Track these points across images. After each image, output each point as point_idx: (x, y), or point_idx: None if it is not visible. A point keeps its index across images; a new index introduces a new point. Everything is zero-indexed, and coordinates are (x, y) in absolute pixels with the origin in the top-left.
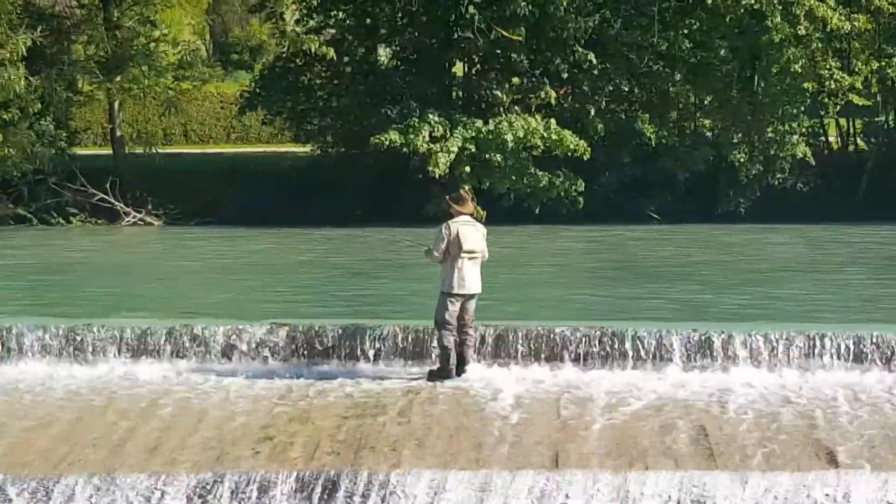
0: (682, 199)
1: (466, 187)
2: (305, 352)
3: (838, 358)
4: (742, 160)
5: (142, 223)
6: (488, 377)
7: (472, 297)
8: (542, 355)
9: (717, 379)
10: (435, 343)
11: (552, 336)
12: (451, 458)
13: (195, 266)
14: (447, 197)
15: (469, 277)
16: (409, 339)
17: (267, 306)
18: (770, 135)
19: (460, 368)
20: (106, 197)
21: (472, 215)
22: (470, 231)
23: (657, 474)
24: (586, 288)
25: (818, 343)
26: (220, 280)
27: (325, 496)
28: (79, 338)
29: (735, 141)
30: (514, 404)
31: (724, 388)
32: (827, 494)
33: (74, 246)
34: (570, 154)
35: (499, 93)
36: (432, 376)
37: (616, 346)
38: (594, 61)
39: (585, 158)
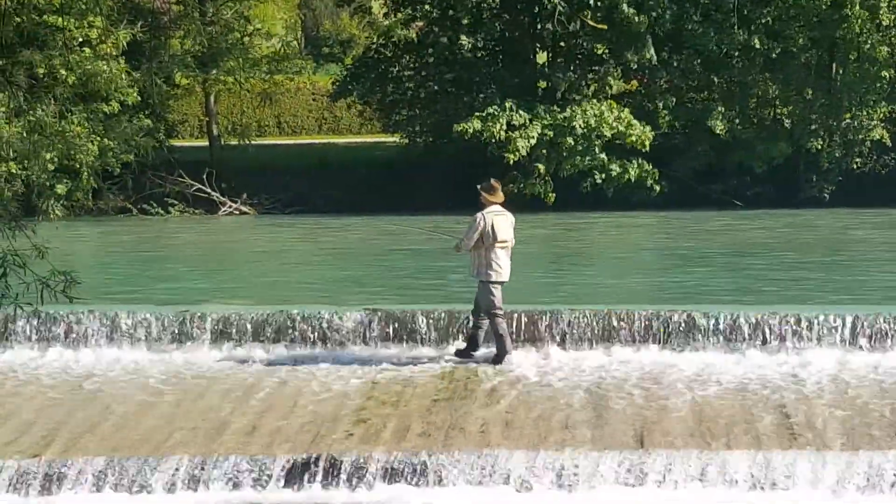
0: (762, 186)
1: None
2: (398, 337)
3: None
4: (821, 146)
5: (237, 213)
6: (570, 360)
7: (503, 283)
8: (625, 338)
9: (798, 360)
10: (480, 330)
11: (633, 319)
12: (539, 439)
13: (291, 254)
14: (479, 186)
15: (504, 266)
16: (519, 323)
17: (361, 293)
18: (848, 120)
19: (472, 350)
20: (203, 188)
21: (502, 204)
22: (502, 221)
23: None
24: (670, 272)
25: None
26: (316, 267)
27: (415, 476)
28: (180, 324)
29: (813, 128)
30: (597, 387)
31: (806, 369)
32: None
33: (176, 235)
34: (641, 142)
35: (577, 82)
36: (495, 361)
37: (699, 327)
38: (670, 55)
39: (645, 150)
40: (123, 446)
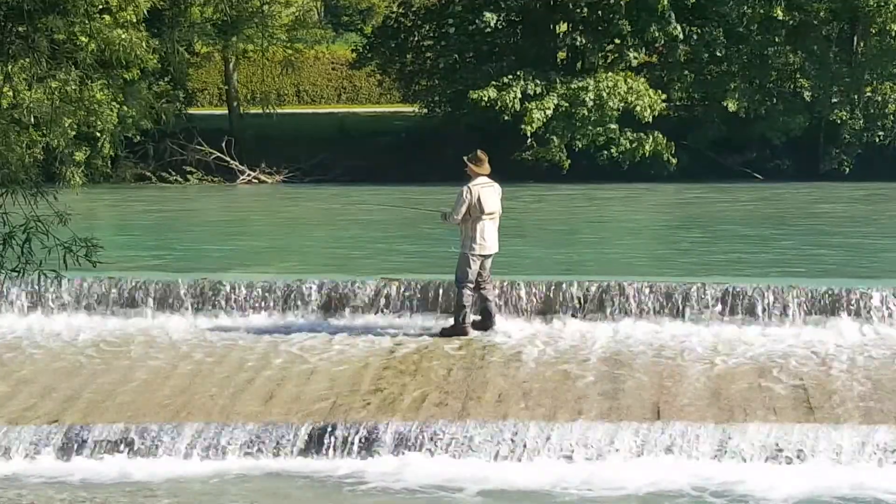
0: (781, 158)
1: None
2: (414, 306)
3: None
4: (843, 118)
5: (256, 181)
6: (588, 331)
7: (489, 255)
8: (645, 310)
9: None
10: (454, 299)
11: (654, 290)
12: (554, 409)
13: (308, 222)
14: (465, 157)
15: (490, 238)
16: (530, 295)
17: (378, 261)
18: (869, 94)
19: (488, 322)
20: (222, 156)
21: (489, 175)
22: (489, 193)
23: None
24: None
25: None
26: (333, 236)
27: (432, 444)
28: (198, 291)
29: (834, 101)
30: (614, 358)
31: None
32: None
33: (194, 204)
34: (651, 112)
35: (597, 53)
36: (445, 332)
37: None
38: (691, 28)
39: (654, 117)
40: (143, 412)
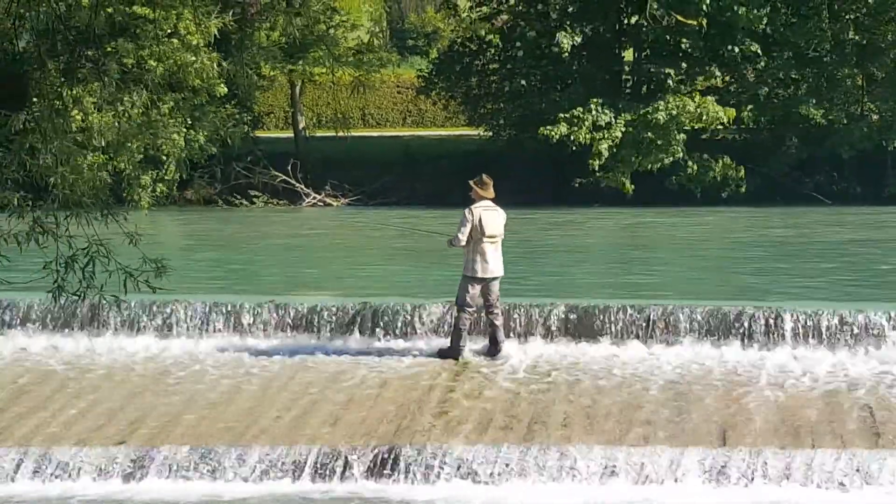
0: (848, 181)
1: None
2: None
3: None
4: None
5: (321, 204)
6: (648, 355)
7: (495, 279)
8: (706, 334)
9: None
10: (452, 323)
11: (717, 315)
12: (619, 434)
13: (376, 246)
14: (471, 181)
15: (492, 261)
16: (573, 317)
17: (445, 285)
18: None
19: (495, 349)
20: (288, 179)
21: (493, 200)
22: (491, 216)
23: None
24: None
25: None
26: (400, 260)
27: (494, 468)
28: (264, 314)
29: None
30: (678, 381)
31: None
32: None
33: (260, 226)
34: (726, 133)
35: (666, 78)
36: (443, 354)
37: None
38: (761, 52)
39: (729, 128)
40: (208, 434)
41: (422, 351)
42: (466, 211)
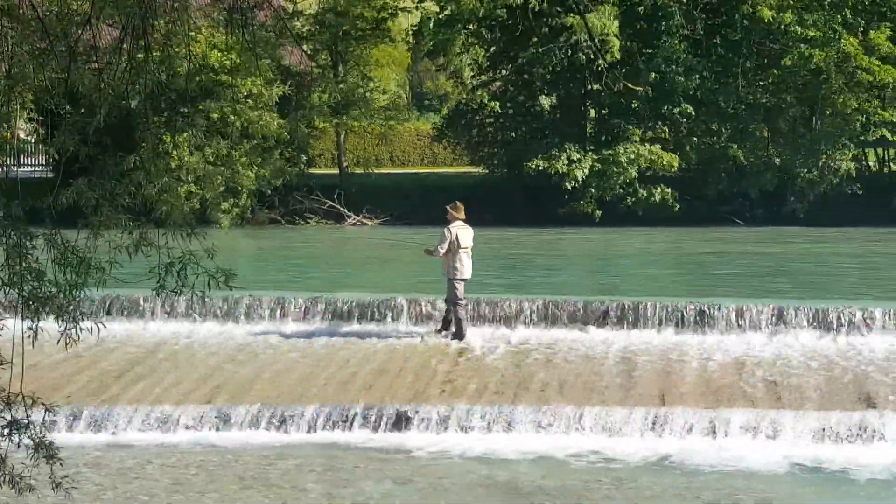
0: (756, 208)
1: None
2: (491, 317)
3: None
4: (803, 175)
5: (360, 224)
6: (606, 337)
7: (467, 279)
8: (649, 322)
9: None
10: (452, 315)
11: (657, 307)
12: (584, 397)
13: (398, 256)
14: (448, 206)
15: (467, 266)
16: (554, 310)
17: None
18: (823, 160)
19: (461, 333)
20: (334, 204)
21: (464, 220)
22: (464, 232)
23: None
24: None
25: (868, 315)
26: (414, 266)
27: (489, 423)
28: (314, 306)
29: (797, 166)
30: (624, 354)
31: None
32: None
33: (312, 239)
34: (669, 171)
35: (622, 131)
36: (455, 336)
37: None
38: (693, 112)
39: (674, 171)
40: (275, 395)
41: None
42: (445, 230)
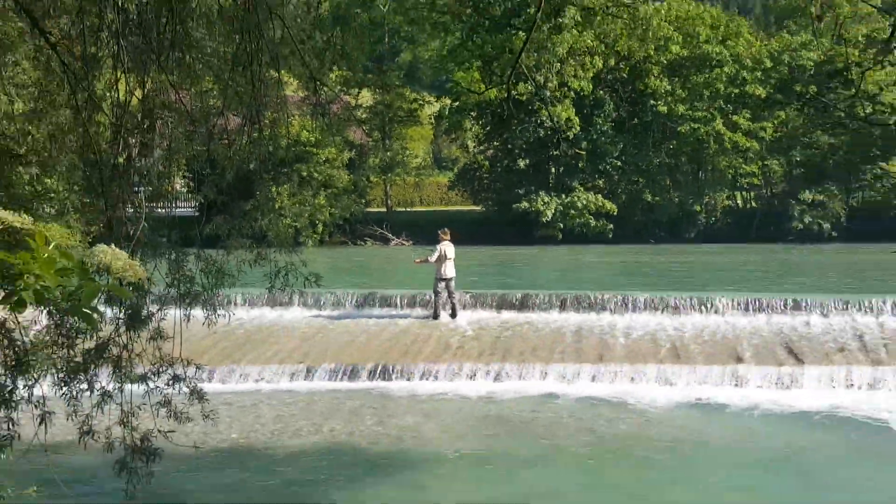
0: (664, 232)
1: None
2: (485, 304)
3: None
4: (694, 211)
5: (401, 245)
6: (567, 318)
7: (452, 279)
8: (590, 308)
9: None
10: (433, 301)
11: (596, 297)
12: (548, 357)
13: (422, 267)
14: (439, 231)
15: (449, 269)
16: (528, 299)
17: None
18: (707, 199)
19: (454, 314)
20: (383, 231)
21: (449, 240)
22: (449, 247)
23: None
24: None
25: (713, 301)
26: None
27: (487, 376)
28: (362, 299)
29: (690, 204)
30: (576, 329)
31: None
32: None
33: (368, 256)
34: (606, 211)
35: (573, 182)
36: (433, 317)
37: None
38: (620, 166)
39: (614, 214)
40: (344, 357)
41: (423, 317)
42: (437, 246)
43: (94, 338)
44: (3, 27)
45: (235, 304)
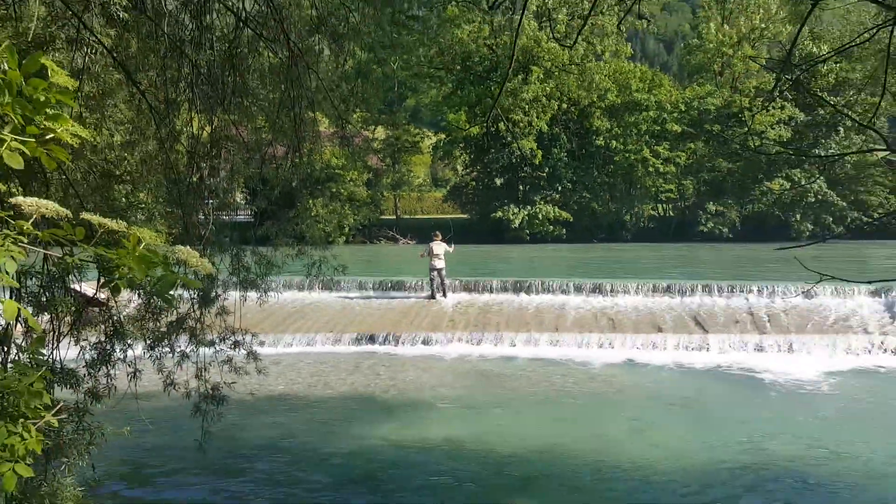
0: (604, 234)
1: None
2: (469, 288)
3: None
4: (626, 219)
5: (407, 243)
6: (531, 299)
7: (442, 269)
8: (561, 291)
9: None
10: (429, 285)
11: (554, 283)
12: (519, 328)
13: (424, 260)
14: (433, 233)
15: (438, 262)
16: (503, 284)
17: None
18: (636, 210)
19: (443, 295)
20: (394, 233)
21: (440, 240)
22: (438, 245)
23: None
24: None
25: (641, 285)
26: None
27: (470, 341)
28: (378, 284)
29: (624, 214)
30: (537, 307)
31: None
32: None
33: (380, 252)
34: (562, 219)
35: (535, 196)
36: (429, 298)
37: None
38: (571, 185)
39: (568, 220)
40: (364, 327)
41: (423, 298)
42: (429, 244)
43: (175, 314)
44: (105, 78)
45: (282, 288)
